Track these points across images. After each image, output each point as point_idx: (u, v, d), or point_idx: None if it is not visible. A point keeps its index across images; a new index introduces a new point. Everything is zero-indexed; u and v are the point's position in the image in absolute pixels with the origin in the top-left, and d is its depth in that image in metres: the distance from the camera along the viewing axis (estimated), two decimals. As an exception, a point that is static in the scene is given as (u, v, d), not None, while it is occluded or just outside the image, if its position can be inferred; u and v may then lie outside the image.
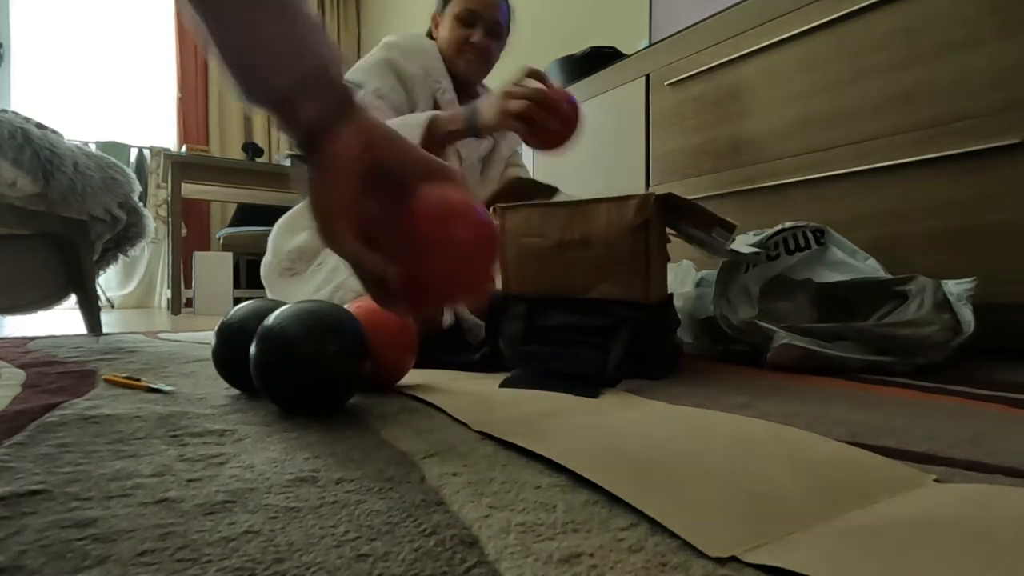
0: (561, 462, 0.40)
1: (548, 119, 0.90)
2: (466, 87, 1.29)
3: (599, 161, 1.79)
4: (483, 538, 0.30)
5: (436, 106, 1.22)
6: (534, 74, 0.93)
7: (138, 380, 0.74)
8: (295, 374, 0.55)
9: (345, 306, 0.68)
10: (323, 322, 0.56)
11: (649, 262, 0.78)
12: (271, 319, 0.57)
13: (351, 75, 1.20)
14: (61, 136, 1.35)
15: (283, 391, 0.56)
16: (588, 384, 0.70)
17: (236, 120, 4.43)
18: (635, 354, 0.77)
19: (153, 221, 1.58)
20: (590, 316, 0.80)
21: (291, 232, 1.20)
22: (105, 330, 1.64)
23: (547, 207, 0.83)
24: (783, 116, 1.27)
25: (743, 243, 1.06)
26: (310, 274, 1.12)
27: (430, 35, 1.32)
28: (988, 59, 0.96)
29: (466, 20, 1.24)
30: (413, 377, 0.77)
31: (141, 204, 1.51)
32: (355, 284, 0.97)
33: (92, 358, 1.00)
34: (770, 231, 1.07)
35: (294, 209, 1.25)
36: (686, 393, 0.68)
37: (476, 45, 1.25)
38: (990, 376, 0.82)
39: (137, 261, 3.97)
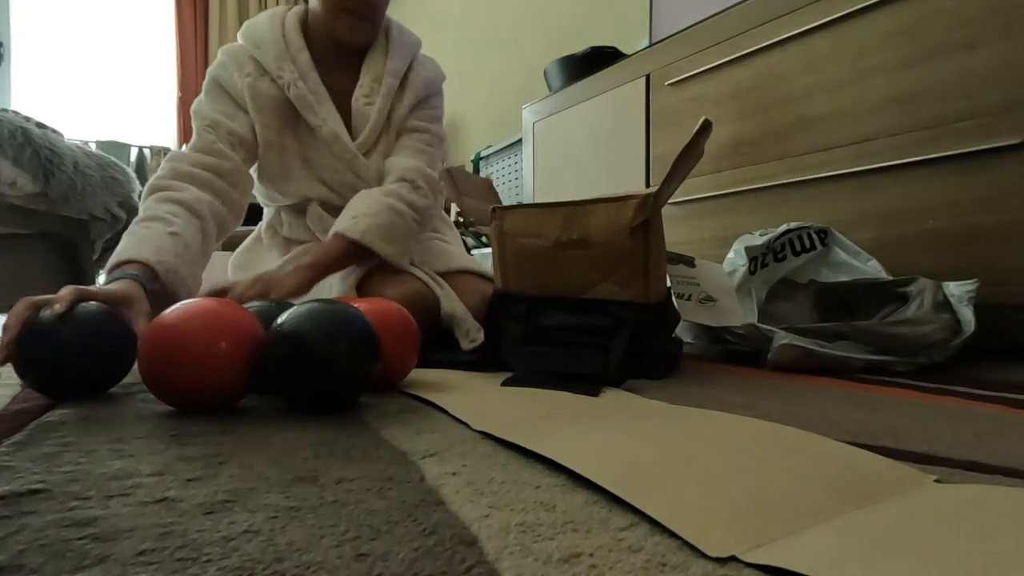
0: (561, 462, 0.40)
1: None
2: (355, 51, 1.03)
3: (599, 161, 1.79)
4: (483, 538, 0.30)
5: (292, 104, 0.98)
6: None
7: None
8: (307, 372, 0.55)
9: None
10: (335, 321, 0.57)
11: (648, 262, 0.78)
12: (283, 318, 0.57)
13: (195, 105, 0.99)
14: (61, 135, 1.35)
15: (294, 389, 0.57)
16: (589, 383, 0.70)
17: (236, 120, 4.42)
18: (636, 354, 0.77)
19: (153, 221, 1.58)
20: (590, 316, 0.79)
21: (246, 270, 1.12)
22: (105, 330, 1.63)
23: (544, 208, 0.83)
24: (783, 116, 1.27)
25: (747, 243, 1.06)
26: None
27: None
28: (988, 59, 0.96)
29: None
30: (413, 377, 0.76)
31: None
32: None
33: (92, 358, 1.00)
34: (776, 232, 1.07)
35: (245, 245, 1.16)
36: (686, 393, 0.68)
37: (353, 3, 0.94)
38: (990, 376, 0.82)
39: (137, 261, 3.96)
